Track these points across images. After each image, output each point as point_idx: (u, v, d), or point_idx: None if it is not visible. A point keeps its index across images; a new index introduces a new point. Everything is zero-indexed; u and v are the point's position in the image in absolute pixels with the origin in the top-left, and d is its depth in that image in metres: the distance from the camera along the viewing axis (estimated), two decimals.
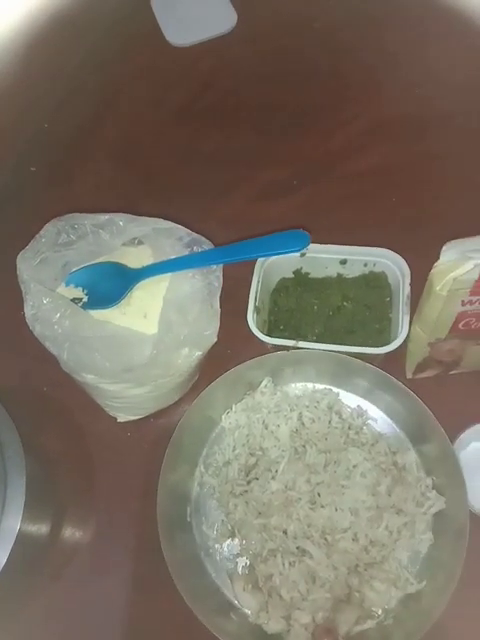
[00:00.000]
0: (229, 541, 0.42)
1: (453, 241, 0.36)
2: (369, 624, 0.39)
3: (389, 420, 0.46)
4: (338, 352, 0.44)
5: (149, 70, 0.66)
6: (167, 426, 0.44)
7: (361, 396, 0.47)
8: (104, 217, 0.42)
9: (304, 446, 0.44)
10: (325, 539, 0.40)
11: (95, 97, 0.65)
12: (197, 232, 0.43)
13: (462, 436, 0.43)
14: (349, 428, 0.45)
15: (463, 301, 0.37)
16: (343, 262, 0.48)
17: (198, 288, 0.42)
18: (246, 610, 0.40)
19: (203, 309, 0.42)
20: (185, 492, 0.44)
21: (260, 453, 0.44)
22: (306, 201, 0.56)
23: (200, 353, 0.43)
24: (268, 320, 0.49)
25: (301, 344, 0.44)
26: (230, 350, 0.47)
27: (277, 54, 0.65)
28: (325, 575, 0.39)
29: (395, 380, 0.43)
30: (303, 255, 0.47)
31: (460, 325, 0.40)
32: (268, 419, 0.45)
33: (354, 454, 0.43)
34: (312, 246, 0.46)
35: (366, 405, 0.47)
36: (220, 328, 0.42)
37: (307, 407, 0.46)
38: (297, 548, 0.40)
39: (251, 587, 0.40)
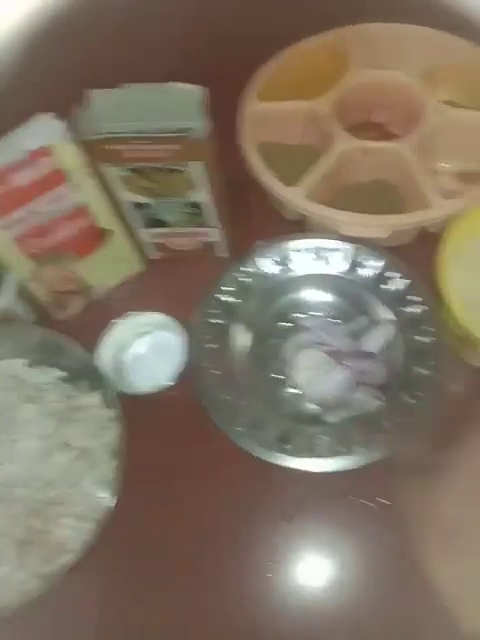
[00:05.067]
0: None
1: None
2: (65, 559, 0.40)
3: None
4: None
5: None
6: None
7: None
8: None
9: None
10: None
11: None
12: None
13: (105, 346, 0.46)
14: (32, 388, 0.46)
15: None
16: None
17: None
18: None
19: None
20: None
21: None
22: None
23: None
24: None
25: None
26: None
27: None
28: (2, 524, 0.40)
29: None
30: None
31: (29, 249, 0.42)
32: None
33: (27, 409, 0.44)
34: None
35: None
36: None
37: None
38: None
39: None
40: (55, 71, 0.65)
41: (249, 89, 0.53)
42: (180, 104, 0.39)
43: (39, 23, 0.68)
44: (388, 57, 0.54)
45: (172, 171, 0.41)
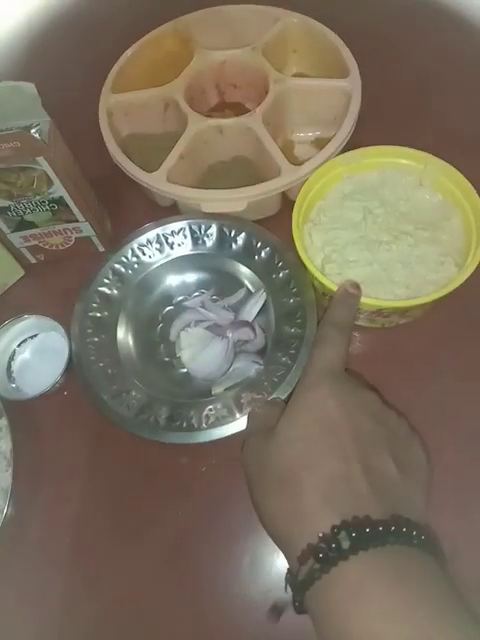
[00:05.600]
0: None
1: None
2: None
3: None
4: None
5: None
6: None
7: None
8: None
9: None
10: None
11: None
12: None
13: None
14: None
15: None
16: None
17: None
18: None
19: None
20: None
21: None
22: None
23: None
24: None
25: None
26: None
27: None
28: None
29: None
30: None
31: None
32: None
33: None
34: None
35: None
36: None
37: None
38: None
39: None
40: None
41: (105, 84, 0.54)
42: (17, 102, 0.39)
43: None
44: (233, 38, 0.56)
45: (23, 169, 0.41)
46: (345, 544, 0.27)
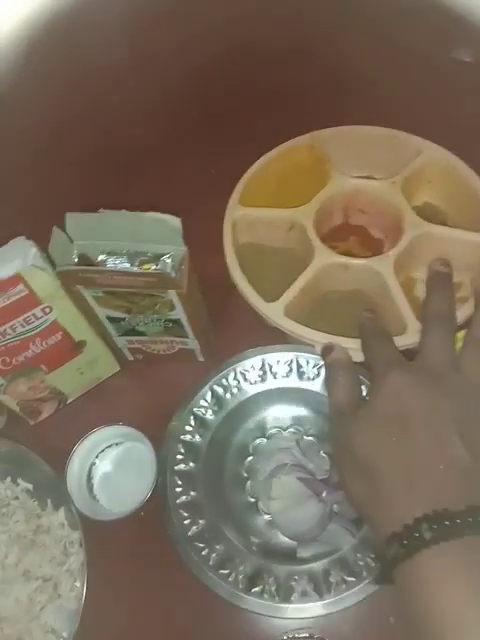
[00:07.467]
0: None
1: None
2: None
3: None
4: None
5: None
6: None
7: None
8: None
9: None
10: None
11: None
12: None
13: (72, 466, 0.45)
14: None
15: None
16: None
17: None
18: None
19: None
20: None
21: None
22: None
23: None
24: None
25: None
26: None
27: None
28: None
29: None
30: None
31: None
32: None
33: None
34: None
35: None
36: None
37: None
38: None
39: None
40: None
41: (233, 195, 0.53)
42: (159, 230, 0.38)
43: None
44: (366, 160, 0.54)
45: (148, 295, 0.40)
46: (427, 535, 0.29)
